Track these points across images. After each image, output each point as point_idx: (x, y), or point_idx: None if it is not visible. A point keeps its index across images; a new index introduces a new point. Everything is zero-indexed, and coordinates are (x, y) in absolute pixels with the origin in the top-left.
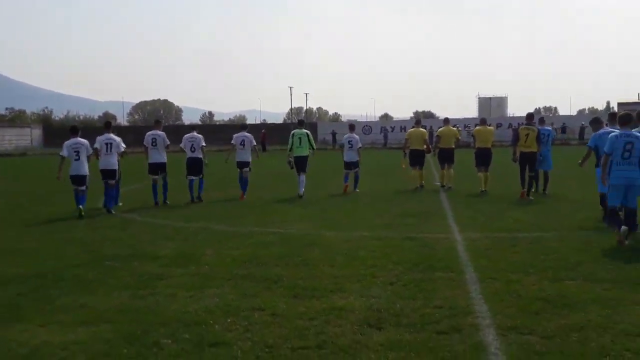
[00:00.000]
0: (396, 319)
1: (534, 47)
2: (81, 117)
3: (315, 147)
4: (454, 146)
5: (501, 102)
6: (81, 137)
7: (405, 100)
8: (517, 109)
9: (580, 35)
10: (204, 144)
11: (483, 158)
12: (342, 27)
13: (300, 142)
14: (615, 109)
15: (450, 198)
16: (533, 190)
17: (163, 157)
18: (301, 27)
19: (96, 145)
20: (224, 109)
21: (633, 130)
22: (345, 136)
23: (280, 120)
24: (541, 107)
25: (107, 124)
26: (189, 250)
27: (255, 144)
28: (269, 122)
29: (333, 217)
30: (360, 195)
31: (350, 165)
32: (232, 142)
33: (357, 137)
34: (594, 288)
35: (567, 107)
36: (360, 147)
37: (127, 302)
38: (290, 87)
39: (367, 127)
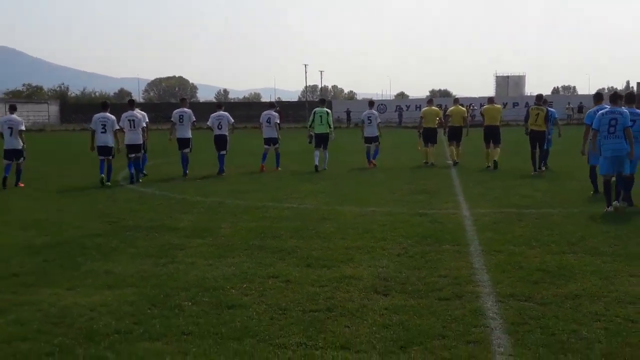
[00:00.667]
0: (402, 286)
1: (553, 26)
2: (97, 94)
3: (332, 126)
4: (462, 124)
5: (519, 80)
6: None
7: (422, 78)
8: (535, 88)
9: (601, 15)
10: (232, 120)
11: (491, 135)
12: (358, 4)
13: (321, 120)
14: (635, 88)
15: (460, 175)
16: (544, 167)
17: (189, 133)
18: (317, 5)
19: (120, 123)
20: (239, 87)
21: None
22: (365, 112)
23: (295, 98)
24: (560, 86)
25: (130, 101)
26: (206, 223)
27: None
28: (283, 100)
29: (346, 193)
30: (373, 172)
31: (370, 140)
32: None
33: (376, 113)
34: (593, 261)
35: (586, 87)
36: (379, 122)
37: (149, 269)
38: (305, 65)
39: (382, 106)
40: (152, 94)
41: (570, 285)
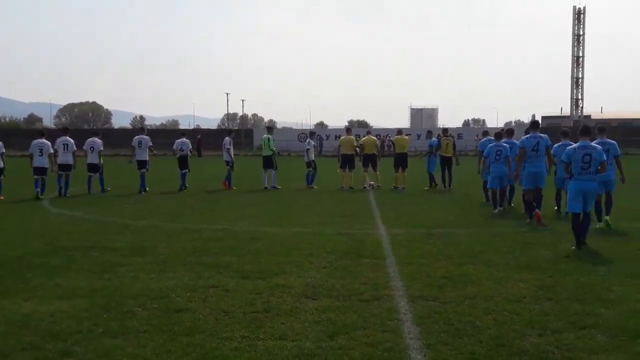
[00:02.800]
0: (328, 292)
1: (461, 61)
2: (7, 119)
3: (274, 150)
4: (375, 152)
5: (432, 113)
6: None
7: (341, 109)
8: (448, 120)
9: (505, 50)
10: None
11: (400, 161)
12: (280, 35)
13: (264, 145)
14: (540, 121)
15: (378, 200)
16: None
17: (146, 156)
18: (236, 32)
19: (55, 147)
20: (156, 113)
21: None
22: (307, 141)
23: (214, 126)
24: (470, 119)
25: (64, 129)
26: (142, 243)
27: (151, 144)
28: (202, 127)
29: (273, 216)
30: (297, 196)
31: (310, 164)
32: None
33: (313, 142)
34: (489, 270)
35: (494, 120)
36: (308, 149)
37: (96, 282)
38: (227, 94)
39: (302, 135)
40: (64, 119)
41: (469, 289)
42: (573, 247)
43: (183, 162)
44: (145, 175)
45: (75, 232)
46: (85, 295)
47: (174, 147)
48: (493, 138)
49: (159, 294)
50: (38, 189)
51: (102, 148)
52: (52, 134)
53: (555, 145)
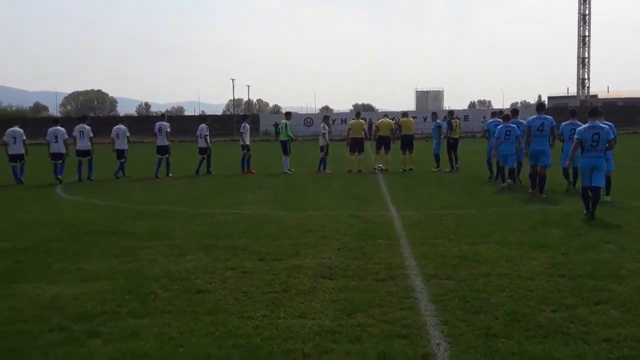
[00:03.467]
0: (344, 272)
1: (465, 43)
2: (13, 108)
3: (291, 135)
4: (389, 134)
5: (437, 95)
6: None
7: (346, 93)
8: (454, 102)
9: (512, 32)
10: (168, 130)
11: (406, 143)
12: (282, 20)
13: (282, 129)
14: (546, 101)
15: (388, 182)
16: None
17: (165, 141)
18: (240, 19)
19: (73, 134)
20: (161, 100)
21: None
22: (322, 125)
23: (219, 112)
24: (476, 100)
25: (55, 119)
26: (158, 227)
27: (91, 135)
28: (207, 113)
29: (285, 201)
30: (308, 180)
31: (323, 149)
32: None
33: (327, 126)
34: (502, 249)
35: (500, 101)
36: (324, 133)
37: (117, 266)
38: (233, 79)
39: (308, 119)
40: (69, 107)
41: (482, 267)
42: (586, 217)
43: (202, 147)
44: (166, 160)
45: (92, 218)
46: (107, 278)
47: (197, 132)
48: (500, 120)
49: (179, 276)
50: (59, 175)
51: (129, 134)
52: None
53: (563, 123)
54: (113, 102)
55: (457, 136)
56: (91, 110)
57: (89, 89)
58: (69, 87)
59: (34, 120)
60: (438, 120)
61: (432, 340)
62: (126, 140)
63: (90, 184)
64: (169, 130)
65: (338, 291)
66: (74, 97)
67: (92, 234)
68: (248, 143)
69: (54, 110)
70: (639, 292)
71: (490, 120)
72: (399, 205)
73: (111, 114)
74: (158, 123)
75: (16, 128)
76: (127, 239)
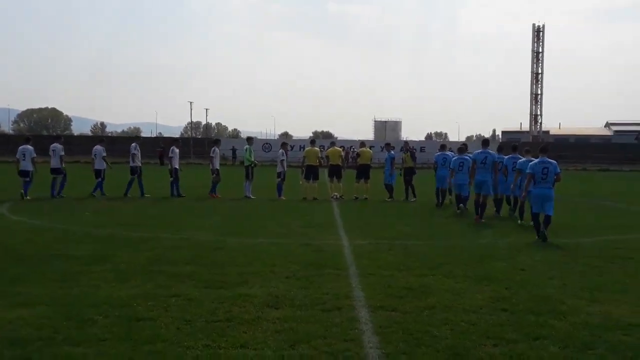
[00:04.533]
0: (290, 301)
1: (424, 75)
2: None
3: (252, 161)
4: (340, 163)
5: (395, 126)
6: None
7: (305, 119)
8: (411, 132)
9: (466, 66)
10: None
11: (363, 172)
12: (244, 44)
13: (246, 154)
14: (500, 136)
15: (342, 210)
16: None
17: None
18: (201, 41)
19: (17, 155)
20: (118, 120)
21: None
22: (280, 151)
23: (177, 134)
24: (433, 132)
25: (27, 138)
26: (102, 252)
27: (34, 156)
28: (165, 135)
29: (235, 227)
30: (262, 207)
31: (280, 175)
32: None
33: (282, 151)
34: (448, 281)
35: (456, 133)
36: (283, 160)
37: (57, 291)
38: (191, 102)
39: (267, 145)
40: (22, 125)
41: (428, 299)
42: (536, 238)
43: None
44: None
45: (36, 240)
46: (46, 302)
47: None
48: (448, 152)
49: (120, 303)
50: (22, 191)
51: (104, 154)
52: (12, 141)
53: (505, 157)
54: (67, 120)
55: (409, 166)
56: (44, 129)
57: (42, 106)
58: (22, 104)
59: None
60: (392, 152)
61: None
62: (102, 160)
63: (38, 204)
64: (134, 152)
65: (283, 321)
66: (28, 114)
67: (35, 257)
68: (218, 167)
69: (7, 127)
70: (579, 329)
71: (439, 153)
72: (351, 234)
73: (65, 132)
74: (134, 144)
75: (27, 145)
76: (70, 263)
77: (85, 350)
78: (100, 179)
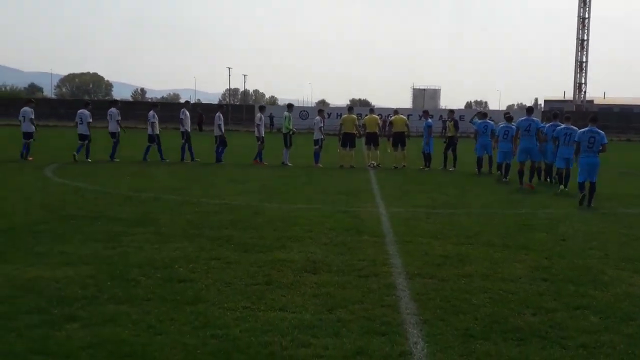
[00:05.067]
0: (328, 267)
1: (465, 43)
2: (7, 88)
3: (291, 128)
4: (376, 131)
5: (434, 94)
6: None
7: (343, 87)
8: (450, 101)
9: (510, 32)
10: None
11: (398, 140)
12: (284, 11)
13: (285, 121)
14: (542, 105)
15: (379, 178)
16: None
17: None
18: (240, 8)
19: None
20: (157, 87)
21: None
22: (258, 115)
23: (215, 101)
24: (472, 100)
25: (86, 103)
26: (144, 214)
27: (90, 120)
28: (203, 102)
29: (273, 192)
30: (299, 173)
31: (317, 142)
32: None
33: (319, 118)
34: (486, 250)
35: (496, 102)
36: (321, 127)
37: (100, 251)
38: (229, 68)
39: (304, 112)
40: (64, 90)
41: (466, 268)
42: (583, 205)
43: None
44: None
45: (79, 201)
46: (90, 262)
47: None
48: (489, 120)
49: (162, 264)
50: (75, 153)
51: (119, 118)
52: (53, 105)
53: (547, 125)
54: (108, 86)
55: (452, 135)
56: (86, 94)
57: (84, 71)
58: (64, 69)
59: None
60: (429, 120)
61: (410, 338)
62: (116, 123)
63: (81, 166)
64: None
65: (320, 286)
66: (70, 79)
67: (78, 217)
68: (263, 135)
69: (49, 92)
70: (620, 300)
71: (480, 121)
72: (388, 202)
73: (106, 97)
74: (183, 109)
75: (25, 107)
76: (112, 225)
77: (129, 310)
78: (153, 145)
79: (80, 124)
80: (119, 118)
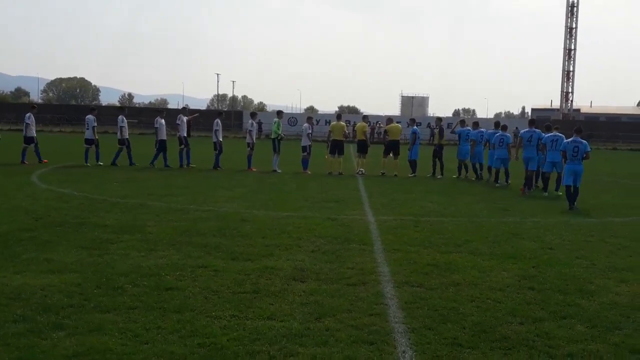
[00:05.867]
0: (316, 275)
1: (454, 51)
2: None
3: (279, 134)
4: (364, 138)
5: (422, 101)
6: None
7: (331, 94)
8: (438, 109)
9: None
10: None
11: (392, 148)
12: (273, 18)
13: (274, 127)
14: (530, 113)
15: (367, 186)
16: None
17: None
18: (228, 12)
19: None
20: (145, 91)
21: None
22: (250, 122)
23: (203, 106)
24: (460, 108)
25: (91, 108)
26: (131, 221)
27: (95, 125)
28: (191, 107)
29: (262, 199)
30: (287, 180)
31: (305, 149)
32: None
33: (307, 125)
34: (474, 259)
35: (484, 110)
36: (309, 133)
37: (87, 258)
38: (218, 74)
39: (292, 119)
40: (51, 94)
41: (454, 276)
42: (567, 210)
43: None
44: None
45: (65, 208)
46: (76, 270)
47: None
48: (482, 129)
49: (149, 272)
50: (83, 159)
51: (95, 124)
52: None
53: (522, 130)
54: (95, 91)
55: (437, 143)
56: (73, 98)
57: (71, 76)
58: (52, 74)
59: (14, 106)
60: (415, 127)
61: (398, 347)
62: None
63: (66, 172)
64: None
65: (309, 294)
66: (56, 83)
67: (64, 224)
68: (254, 141)
69: (35, 96)
70: (606, 309)
71: (462, 128)
72: (377, 210)
73: (93, 102)
74: (180, 116)
75: (89, 115)
76: (99, 231)
77: (116, 318)
78: (159, 151)
79: (86, 129)
80: (95, 125)
